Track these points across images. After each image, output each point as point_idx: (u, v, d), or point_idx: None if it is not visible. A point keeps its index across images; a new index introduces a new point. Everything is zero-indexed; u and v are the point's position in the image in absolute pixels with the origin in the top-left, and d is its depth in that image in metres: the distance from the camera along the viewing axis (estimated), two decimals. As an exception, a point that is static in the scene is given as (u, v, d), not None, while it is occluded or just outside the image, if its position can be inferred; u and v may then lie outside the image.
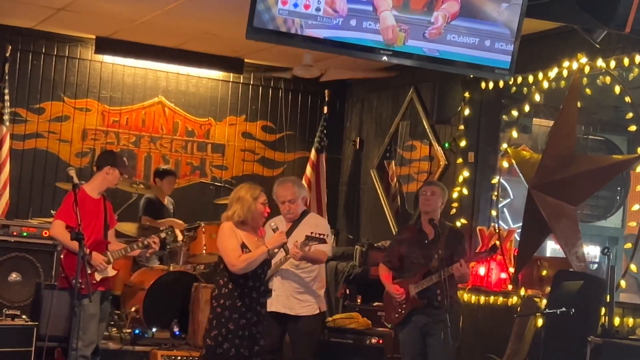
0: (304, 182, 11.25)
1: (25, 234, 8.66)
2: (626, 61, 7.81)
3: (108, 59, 11.05)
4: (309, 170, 11.27)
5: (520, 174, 8.96)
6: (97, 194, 7.43)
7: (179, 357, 8.26)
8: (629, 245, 8.00)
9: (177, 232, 9.15)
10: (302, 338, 7.28)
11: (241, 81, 11.68)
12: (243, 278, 6.44)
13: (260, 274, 6.51)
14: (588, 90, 8.38)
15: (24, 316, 7.93)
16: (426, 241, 7.24)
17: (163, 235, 7.99)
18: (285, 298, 7.22)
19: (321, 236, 6.89)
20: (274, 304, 7.16)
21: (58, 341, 7.75)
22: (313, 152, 11.31)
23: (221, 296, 6.50)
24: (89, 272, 6.93)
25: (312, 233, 6.94)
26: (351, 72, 11.11)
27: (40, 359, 7.50)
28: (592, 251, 11.15)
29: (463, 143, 9.64)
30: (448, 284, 7.04)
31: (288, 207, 7.23)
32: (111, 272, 7.35)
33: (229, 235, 6.48)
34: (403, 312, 7.31)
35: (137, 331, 8.59)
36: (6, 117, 10.10)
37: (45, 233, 8.43)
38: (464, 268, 7.07)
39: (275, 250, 6.59)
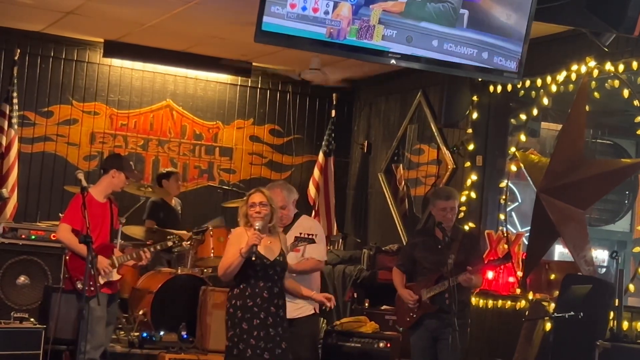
0: (312, 185, 11.28)
1: (33, 237, 8.68)
2: (635, 65, 7.80)
3: (116, 62, 11.07)
4: (317, 173, 11.28)
5: (529, 178, 8.95)
6: (103, 197, 7.43)
7: (187, 361, 8.27)
8: (637, 249, 7.99)
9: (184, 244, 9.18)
10: (301, 340, 7.24)
11: (249, 84, 11.69)
12: (254, 278, 6.44)
13: (272, 275, 6.47)
14: (596, 94, 8.36)
15: (32, 319, 7.94)
16: (439, 246, 7.23)
17: (170, 243, 8.04)
18: None
19: (310, 236, 6.88)
20: None
21: (66, 344, 7.76)
22: (321, 155, 11.32)
23: (233, 297, 6.53)
24: (93, 274, 6.93)
25: (300, 234, 6.93)
26: (358, 70, 11.12)
27: (48, 362, 7.52)
28: (600, 255, 11.14)
29: (471, 147, 9.63)
30: (461, 289, 7.05)
31: (279, 214, 7.18)
32: (115, 276, 7.35)
33: (230, 241, 6.60)
34: (415, 316, 7.31)
35: (144, 334, 8.58)
36: (15, 120, 10.12)
37: (54, 236, 8.42)
38: (469, 277, 7.05)
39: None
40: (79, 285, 6.99)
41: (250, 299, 6.42)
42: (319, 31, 5.79)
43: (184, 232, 9.71)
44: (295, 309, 7.13)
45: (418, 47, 6.05)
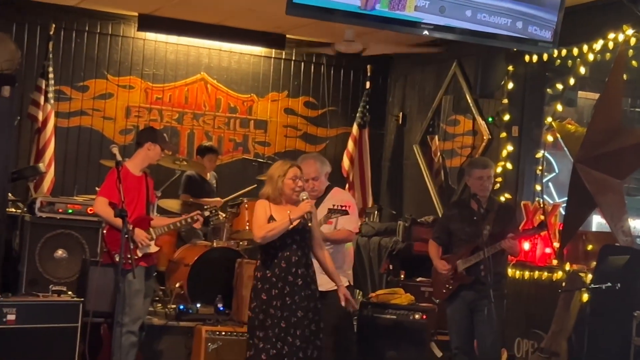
0: (345, 157, 11.25)
1: (70, 211, 8.74)
2: (673, 32, 7.70)
3: (151, 36, 11.09)
4: (351, 145, 11.24)
5: (565, 148, 8.87)
6: (139, 170, 7.47)
7: (223, 333, 8.29)
8: (676, 219, 7.91)
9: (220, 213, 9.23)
10: (335, 312, 7.24)
11: (283, 57, 11.66)
12: (272, 248, 6.49)
13: (290, 244, 6.49)
14: (634, 63, 8.26)
15: (70, 292, 8.01)
16: (475, 217, 7.20)
17: (207, 213, 8.04)
18: None
19: (343, 207, 6.91)
20: None
21: (104, 317, 7.83)
22: (355, 127, 11.28)
23: (256, 269, 6.63)
24: (132, 247, 6.98)
25: (334, 206, 6.97)
26: (394, 46, 11.03)
27: (86, 335, 7.59)
28: (638, 225, 11.03)
29: (507, 117, 9.57)
30: (498, 260, 7.03)
31: (312, 185, 7.17)
32: (153, 248, 7.39)
33: (256, 210, 6.60)
34: (451, 287, 7.32)
35: (181, 307, 8.64)
36: (51, 95, 10.17)
37: (91, 210, 8.48)
38: (512, 242, 7.04)
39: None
40: (117, 259, 7.03)
41: (269, 270, 6.49)
42: (351, 2, 5.76)
43: (218, 198, 9.76)
44: (329, 280, 7.14)
45: (451, 17, 6.02)
